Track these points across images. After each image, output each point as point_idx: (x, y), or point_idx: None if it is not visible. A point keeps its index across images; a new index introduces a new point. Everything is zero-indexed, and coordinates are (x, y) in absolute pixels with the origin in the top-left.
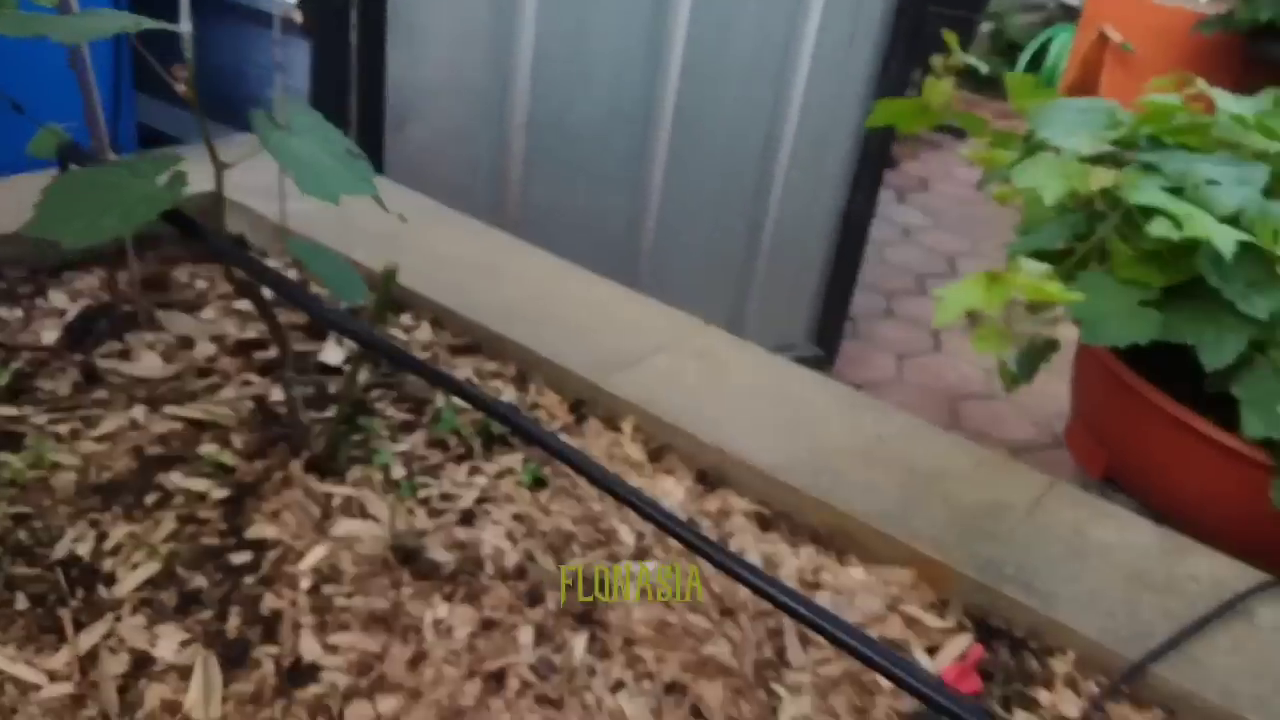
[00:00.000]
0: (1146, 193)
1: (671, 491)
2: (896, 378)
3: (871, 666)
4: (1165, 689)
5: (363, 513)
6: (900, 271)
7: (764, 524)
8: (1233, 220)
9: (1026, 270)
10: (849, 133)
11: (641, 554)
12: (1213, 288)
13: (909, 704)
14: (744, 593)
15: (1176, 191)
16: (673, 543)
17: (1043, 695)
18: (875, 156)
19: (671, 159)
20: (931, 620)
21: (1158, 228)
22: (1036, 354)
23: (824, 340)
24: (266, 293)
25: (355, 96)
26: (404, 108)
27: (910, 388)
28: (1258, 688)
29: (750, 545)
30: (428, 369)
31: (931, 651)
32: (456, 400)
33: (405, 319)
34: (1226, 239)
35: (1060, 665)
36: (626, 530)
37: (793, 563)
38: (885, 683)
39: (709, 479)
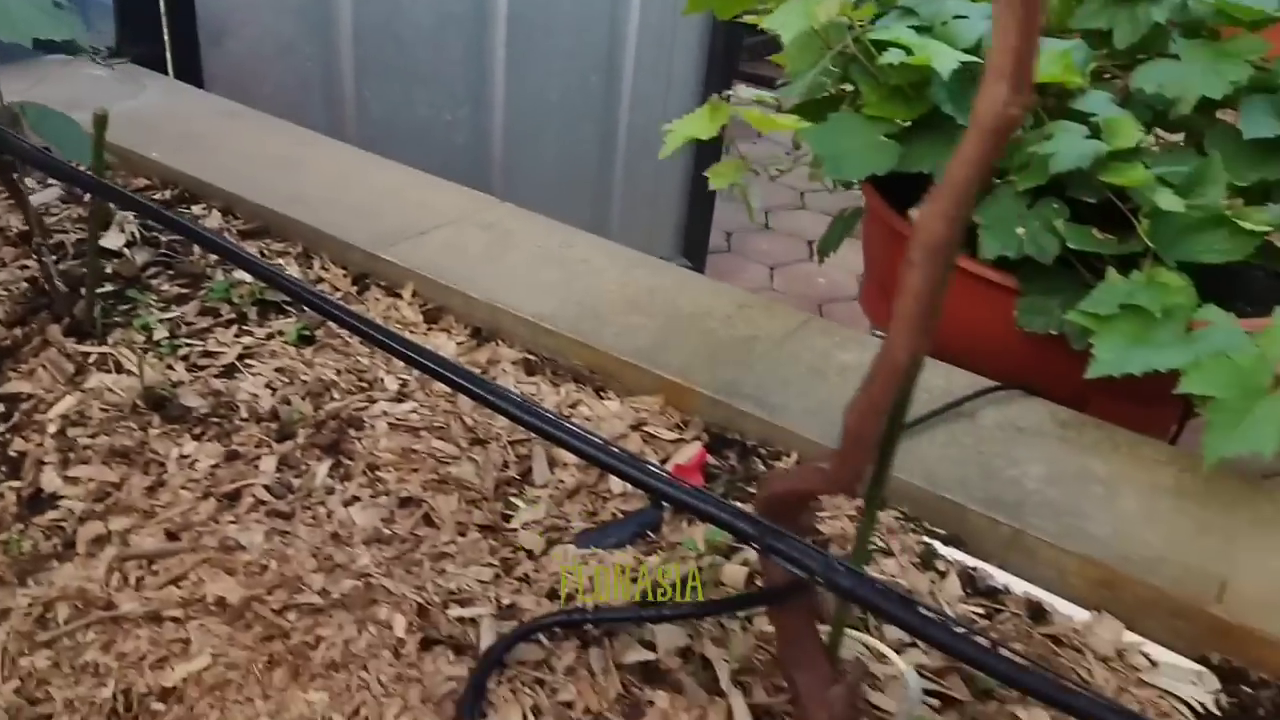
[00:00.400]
0: (884, 30)
1: (443, 346)
2: (767, 286)
3: (597, 464)
4: None
5: (118, 368)
6: (783, 189)
7: (530, 369)
8: (973, 51)
9: (742, 97)
10: (694, 33)
11: (402, 398)
12: (948, 116)
13: (636, 505)
14: (498, 426)
15: (926, 30)
16: (436, 387)
17: (718, 491)
18: (723, 59)
19: (511, 65)
20: (669, 435)
21: (889, 56)
22: (843, 224)
23: (691, 251)
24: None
25: (164, 10)
26: (219, 21)
27: (779, 295)
28: (961, 472)
29: (511, 386)
30: (155, 210)
31: (664, 461)
32: (240, 276)
33: (196, 209)
34: (946, 62)
35: (784, 465)
36: (391, 379)
37: (552, 399)
38: (616, 488)
39: (482, 334)
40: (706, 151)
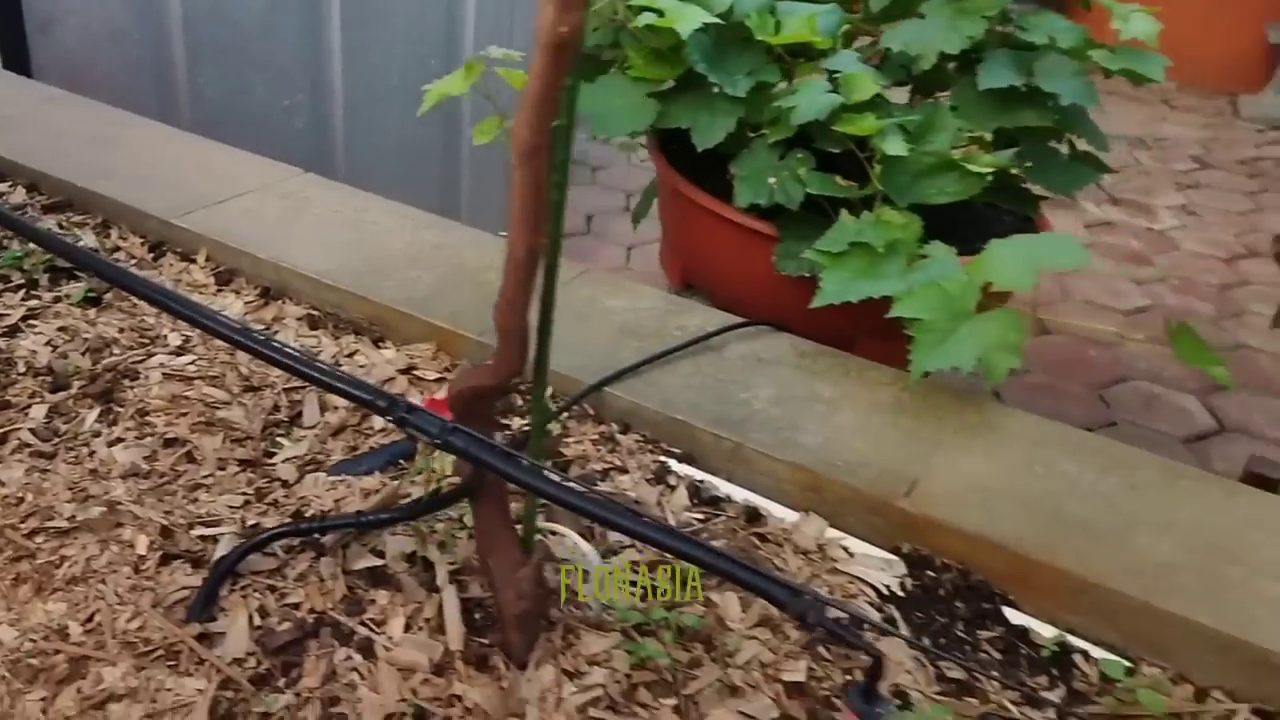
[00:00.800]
0: None
1: (231, 305)
2: (623, 265)
3: (356, 401)
4: (618, 405)
5: None
6: (647, 172)
7: (313, 323)
8: (725, 15)
9: (496, 56)
10: (532, 16)
11: (182, 352)
12: (702, 76)
13: (393, 439)
14: (274, 376)
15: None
16: (217, 342)
17: (516, 421)
18: None
19: (348, 50)
20: (434, 376)
21: (642, 20)
22: (652, 191)
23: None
24: None
25: None
26: (45, 9)
27: (635, 274)
28: (698, 397)
29: (291, 339)
30: None
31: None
32: (34, 246)
33: (2, 187)
34: (688, 24)
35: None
36: (175, 336)
37: (331, 349)
38: (377, 425)
39: (271, 293)
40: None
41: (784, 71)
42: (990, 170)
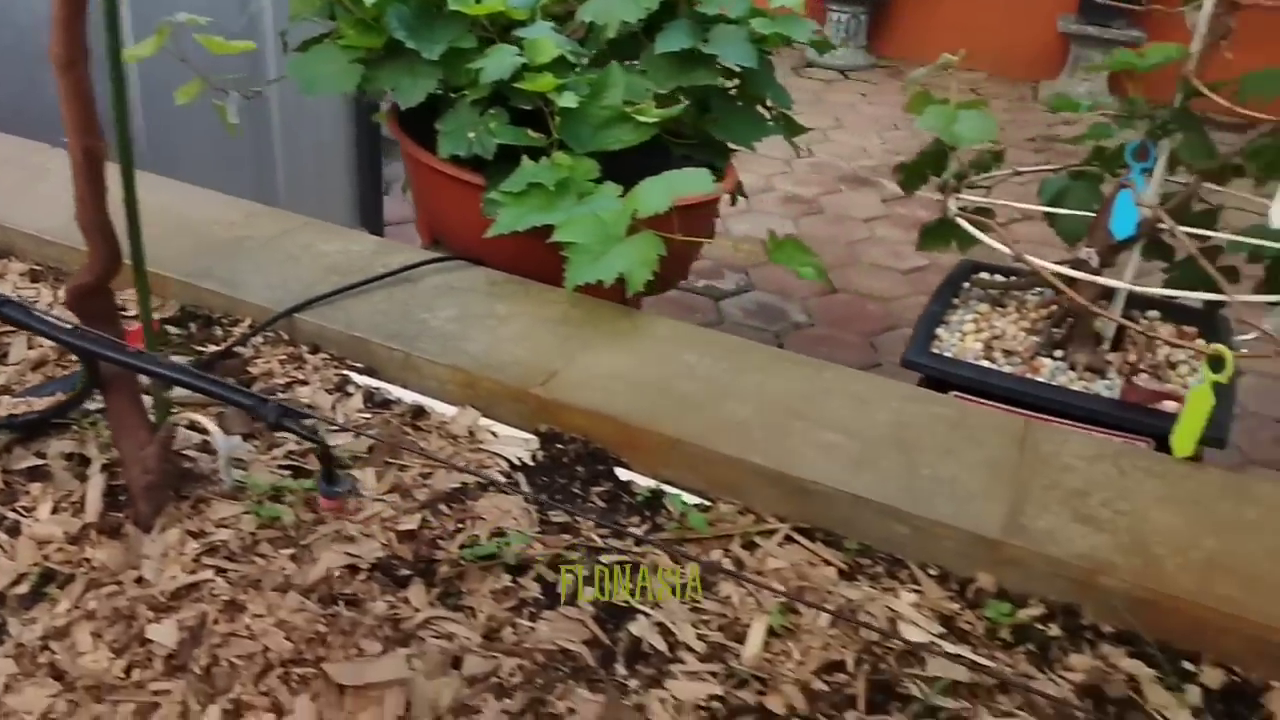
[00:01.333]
0: None
1: None
2: None
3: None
4: (307, 329)
5: None
6: None
7: (34, 277)
8: None
9: (188, 21)
10: None
11: None
12: (401, 42)
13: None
14: None
15: None
16: None
17: (211, 349)
18: None
19: (142, 33)
20: (131, 313)
21: None
22: None
23: (368, 220)
24: None
25: None
26: None
27: None
28: (382, 320)
29: (9, 290)
30: None
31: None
32: None
33: None
34: None
35: (239, 329)
36: None
37: (49, 297)
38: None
39: None
40: (365, 130)
41: (484, 40)
42: (656, 120)
